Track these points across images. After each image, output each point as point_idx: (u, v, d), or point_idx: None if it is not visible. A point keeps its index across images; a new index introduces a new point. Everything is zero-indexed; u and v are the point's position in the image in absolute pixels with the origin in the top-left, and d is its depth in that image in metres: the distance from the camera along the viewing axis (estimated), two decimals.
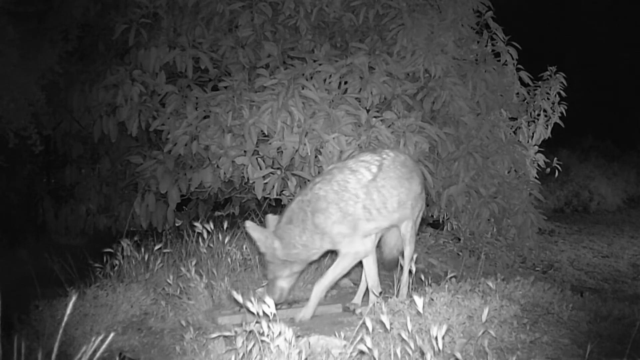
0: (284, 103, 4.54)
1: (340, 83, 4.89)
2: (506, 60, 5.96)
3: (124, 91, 4.86)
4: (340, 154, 4.48)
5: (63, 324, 2.00)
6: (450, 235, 6.32)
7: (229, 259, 4.10)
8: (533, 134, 7.29)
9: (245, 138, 4.63)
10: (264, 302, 2.45)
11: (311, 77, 4.76)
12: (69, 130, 5.52)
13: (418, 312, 2.78)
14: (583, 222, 9.54)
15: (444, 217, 5.89)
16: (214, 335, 2.74)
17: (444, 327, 2.30)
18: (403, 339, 2.37)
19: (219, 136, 4.74)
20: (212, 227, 3.99)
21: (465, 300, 3.16)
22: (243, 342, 2.38)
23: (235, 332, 2.48)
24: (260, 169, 4.71)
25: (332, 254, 3.78)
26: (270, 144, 4.71)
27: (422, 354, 2.31)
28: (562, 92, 7.20)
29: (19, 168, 5.61)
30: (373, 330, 2.34)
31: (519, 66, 6.34)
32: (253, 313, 2.45)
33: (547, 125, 7.33)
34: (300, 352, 2.37)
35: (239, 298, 2.52)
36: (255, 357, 2.41)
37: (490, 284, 3.37)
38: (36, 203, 5.73)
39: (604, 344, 2.95)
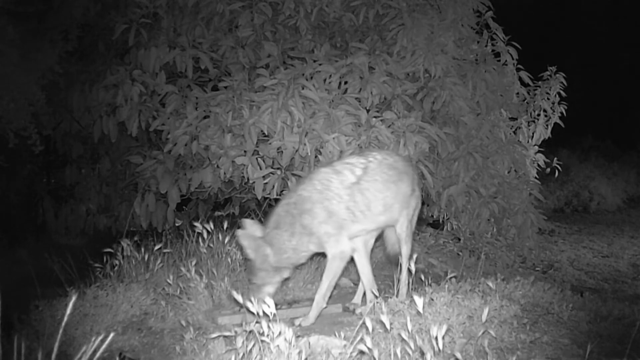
0: (284, 103, 4.54)
1: (340, 83, 4.89)
2: (506, 60, 5.96)
3: (124, 91, 4.86)
4: (340, 154, 4.48)
5: (63, 324, 2.00)
6: (450, 235, 6.32)
7: (229, 259, 4.09)
8: (533, 134, 7.29)
9: (245, 138, 4.63)
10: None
11: (311, 77, 4.76)
12: (69, 130, 5.52)
13: (418, 312, 2.78)
14: (583, 222, 9.53)
15: (444, 217, 5.90)
16: (214, 335, 2.75)
17: (444, 327, 2.30)
18: (403, 339, 2.37)
19: (219, 136, 4.74)
20: (212, 227, 3.99)
21: (465, 300, 3.16)
22: (243, 342, 2.38)
23: (235, 332, 2.48)
24: (260, 169, 4.72)
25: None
26: (270, 144, 4.71)
27: (422, 354, 2.31)
28: (562, 92, 7.19)
29: (19, 168, 5.61)
30: (373, 330, 2.34)
31: (519, 66, 6.34)
32: (253, 313, 2.45)
33: (547, 125, 7.32)
34: (300, 352, 2.37)
35: (239, 298, 2.53)
36: (255, 357, 2.41)
37: (490, 284, 3.37)
38: (36, 203, 5.73)
39: (604, 344, 2.95)
